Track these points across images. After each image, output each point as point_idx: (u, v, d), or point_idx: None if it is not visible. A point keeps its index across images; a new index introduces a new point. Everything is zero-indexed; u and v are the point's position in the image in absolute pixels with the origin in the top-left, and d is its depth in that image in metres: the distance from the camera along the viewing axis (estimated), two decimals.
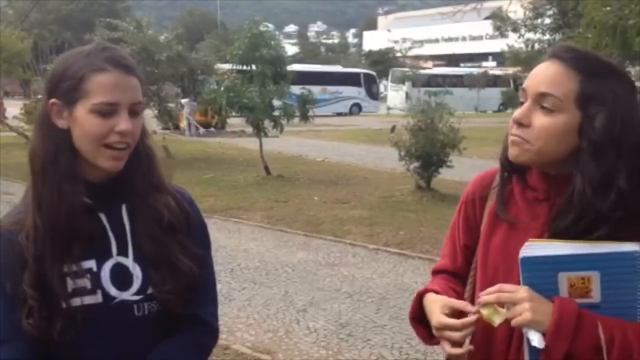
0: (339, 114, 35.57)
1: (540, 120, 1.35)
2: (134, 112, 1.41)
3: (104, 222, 1.44)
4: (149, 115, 19.10)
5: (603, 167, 1.32)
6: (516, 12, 27.98)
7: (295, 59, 41.84)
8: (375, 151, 16.87)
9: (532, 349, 1.30)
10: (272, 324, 5.03)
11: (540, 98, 1.35)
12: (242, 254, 7.07)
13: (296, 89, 13.54)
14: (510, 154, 1.41)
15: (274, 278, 6.25)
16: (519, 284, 1.35)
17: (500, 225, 1.48)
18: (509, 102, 40.09)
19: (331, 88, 35.97)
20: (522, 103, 1.39)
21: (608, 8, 5.76)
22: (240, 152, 16.82)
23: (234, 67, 13.52)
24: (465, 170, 11.72)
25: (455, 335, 1.36)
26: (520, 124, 1.37)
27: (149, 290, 1.45)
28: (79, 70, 1.37)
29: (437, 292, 1.48)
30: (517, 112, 1.39)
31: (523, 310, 1.28)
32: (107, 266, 1.43)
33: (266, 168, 12.60)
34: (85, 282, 1.40)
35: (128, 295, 1.44)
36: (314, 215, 9.05)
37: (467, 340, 1.41)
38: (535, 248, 1.30)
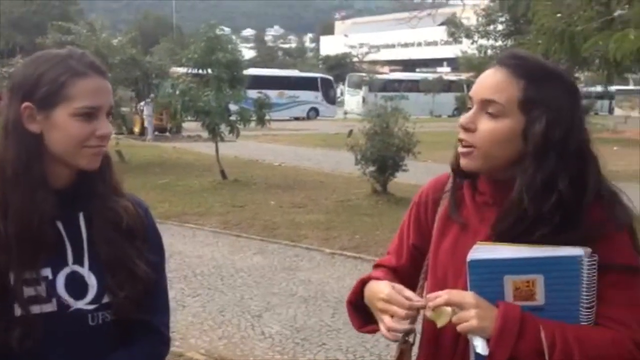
0: (297, 119, 35.64)
1: (485, 125, 1.38)
2: (109, 115, 1.45)
3: (61, 230, 1.44)
4: None
5: (544, 170, 1.34)
6: (469, 18, 28.53)
7: (253, 62, 41.79)
8: (332, 155, 16.93)
9: (477, 355, 1.32)
10: (227, 330, 4.98)
11: (484, 104, 1.38)
12: (196, 259, 6.99)
13: (253, 93, 13.48)
14: (461, 164, 1.43)
15: (229, 283, 6.20)
16: (467, 285, 1.37)
17: (451, 228, 1.50)
18: (463, 107, 40.75)
19: (288, 92, 36.02)
20: (469, 109, 1.42)
21: (559, 15, 5.91)
22: (196, 156, 16.67)
23: (190, 71, 13.41)
24: (420, 174, 11.84)
25: (400, 311, 1.37)
26: (466, 129, 1.40)
27: (104, 300, 1.45)
28: (59, 75, 1.39)
29: (381, 279, 1.50)
30: (463, 118, 1.41)
31: (469, 317, 1.29)
32: (62, 275, 1.43)
33: (222, 173, 12.51)
34: (41, 290, 1.39)
35: (82, 304, 1.43)
36: (270, 220, 9.01)
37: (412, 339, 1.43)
38: (483, 251, 1.32)
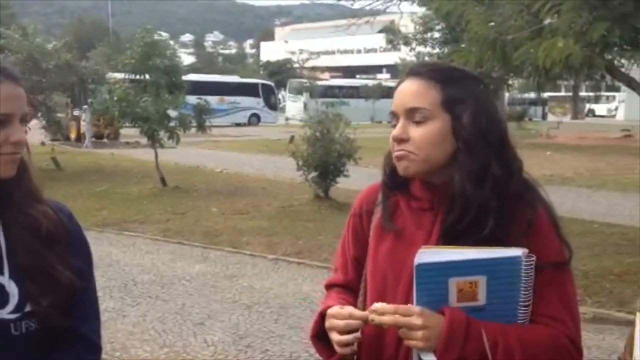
0: (238, 125, 35.43)
1: (416, 132, 1.44)
2: (23, 122, 1.42)
3: None
4: (37, 126, 18.22)
5: (477, 160, 1.42)
6: (407, 26, 29.02)
7: (192, 68, 41.28)
8: (274, 161, 16.91)
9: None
10: (169, 339, 4.92)
11: (410, 113, 1.45)
12: (136, 268, 6.86)
13: (193, 99, 13.34)
14: (400, 169, 1.47)
15: (170, 292, 6.11)
16: (406, 290, 1.41)
17: (387, 235, 1.53)
18: None
19: (229, 98, 35.80)
20: (394, 125, 1.48)
21: (492, 23, 6.08)
22: (135, 163, 16.36)
23: (127, 77, 13.17)
24: (362, 179, 11.92)
25: (340, 323, 1.40)
26: (400, 140, 1.45)
27: (27, 308, 1.40)
28: None
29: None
30: (395, 131, 1.46)
31: (416, 337, 1.33)
32: None
33: (162, 179, 12.32)
34: None
35: (4, 314, 1.39)
36: (212, 227, 8.94)
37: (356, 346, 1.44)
38: (429, 255, 1.35)
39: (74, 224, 1.54)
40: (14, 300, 1.40)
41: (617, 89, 39.29)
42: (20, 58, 13.93)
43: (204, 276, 6.65)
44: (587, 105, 51.54)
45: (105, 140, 22.58)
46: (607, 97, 49.56)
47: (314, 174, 10.48)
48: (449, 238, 1.42)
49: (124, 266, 6.87)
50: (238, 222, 9.31)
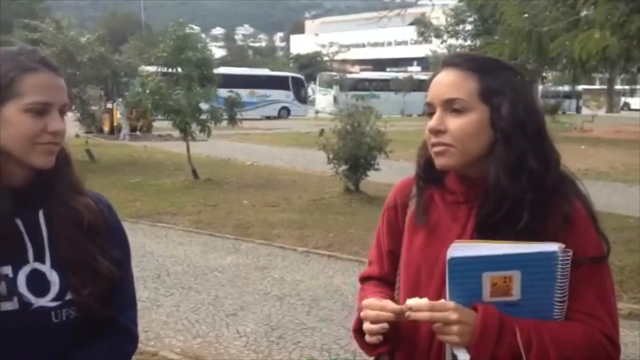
0: (268, 118, 35.55)
1: (454, 123, 1.42)
2: (62, 112, 1.43)
3: (21, 227, 1.42)
4: (71, 119, 18.53)
5: (513, 152, 1.40)
6: (439, 18, 28.78)
7: (223, 61, 41.45)
8: (304, 154, 16.95)
9: (454, 355, 1.35)
10: (201, 329, 4.98)
11: (447, 104, 1.43)
12: (169, 259, 6.96)
13: (224, 92, 13.43)
14: (438, 164, 1.46)
15: (203, 283, 6.19)
16: (440, 284, 1.41)
17: (421, 229, 1.52)
18: None
19: (259, 91, 35.91)
20: (430, 114, 1.46)
21: (526, 15, 6.00)
22: (167, 156, 16.54)
23: (159, 70, 13.31)
24: (392, 172, 11.92)
25: (371, 313, 1.40)
26: (437, 131, 1.43)
27: (67, 296, 1.44)
28: (8, 70, 1.38)
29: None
30: (431, 123, 1.45)
31: (451, 332, 1.32)
32: (23, 272, 1.41)
33: (194, 172, 12.44)
34: (1, 288, 1.38)
35: (45, 301, 1.42)
36: (243, 219, 9.01)
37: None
38: (462, 249, 1.34)
39: (112, 215, 1.57)
40: (55, 288, 1.43)
41: None
42: (55, 51, 14.16)
43: (236, 268, 6.71)
44: (623, 99, 50.61)
45: (138, 132, 22.85)
46: None
47: (344, 167, 10.48)
48: (483, 232, 1.40)
49: (157, 257, 6.97)
50: (269, 214, 9.36)
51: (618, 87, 46.25)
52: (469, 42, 26.36)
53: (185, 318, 5.20)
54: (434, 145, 1.45)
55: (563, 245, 1.33)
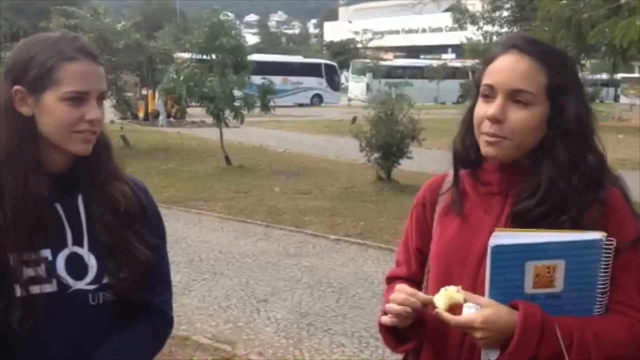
0: (300, 105, 35.55)
1: (516, 115, 1.37)
2: (101, 100, 1.44)
3: (60, 212, 1.45)
4: (107, 105, 18.75)
5: (572, 150, 1.37)
6: (474, 4, 28.35)
7: (256, 48, 41.62)
8: (336, 142, 16.93)
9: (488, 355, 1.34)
10: (233, 315, 5.02)
11: (514, 94, 1.37)
12: (202, 244, 7.02)
13: (257, 79, 13.46)
14: (487, 153, 1.41)
15: (235, 269, 6.23)
16: (473, 275, 1.38)
17: (452, 221, 1.49)
18: (468, 94, 40.42)
19: (292, 78, 35.89)
20: (486, 96, 1.40)
21: (563, 1, 5.88)
22: (200, 142, 16.68)
23: (194, 56, 13.39)
24: (425, 161, 11.85)
25: (400, 295, 1.37)
26: (496, 120, 1.38)
27: (104, 280, 1.46)
28: (48, 58, 1.39)
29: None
30: (492, 110, 1.38)
31: (476, 337, 1.30)
32: (62, 256, 1.44)
33: (227, 158, 12.52)
34: (41, 271, 1.41)
35: (83, 284, 1.45)
36: (274, 206, 9.04)
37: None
38: (505, 237, 1.30)
39: (150, 200, 1.59)
40: (92, 272, 1.46)
41: None
42: (92, 38, 14.34)
43: (267, 254, 6.74)
44: None
45: (172, 119, 23.06)
46: None
47: (376, 155, 10.44)
48: (519, 223, 1.37)
49: (190, 242, 7.04)
50: (300, 202, 9.38)
51: None
52: (505, 29, 25.90)
53: (216, 303, 5.25)
54: (488, 134, 1.40)
55: (605, 234, 1.30)
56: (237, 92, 12.43)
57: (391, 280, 1.64)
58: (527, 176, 1.40)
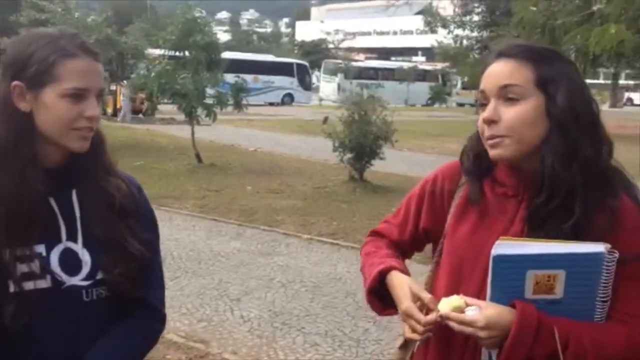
0: (271, 104, 35.47)
1: (508, 111, 1.40)
2: (99, 97, 1.46)
3: (54, 207, 1.45)
4: None
5: (568, 140, 1.38)
6: (446, 8, 28.67)
7: (227, 46, 41.31)
8: (308, 142, 16.93)
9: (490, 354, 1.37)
10: (206, 313, 4.99)
11: (502, 91, 1.40)
12: (173, 243, 6.96)
13: (228, 77, 13.40)
14: (493, 155, 1.44)
15: (207, 267, 6.20)
16: (483, 275, 1.40)
17: (469, 217, 1.51)
18: (437, 96, 41.04)
19: (263, 77, 35.79)
20: (483, 105, 1.44)
21: (534, 8, 5.98)
22: (170, 139, 16.52)
23: (166, 53, 13.27)
24: (396, 162, 11.92)
25: (418, 327, 1.42)
26: (491, 121, 1.41)
27: (98, 276, 1.46)
28: (48, 55, 1.39)
29: (398, 270, 1.54)
30: (485, 113, 1.42)
31: (477, 336, 1.34)
32: (56, 251, 1.44)
33: (198, 156, 12.44)
34: (35, 267, 1.40)
35: (77, 280, 1.45)
36: (247, 205, 9.01)
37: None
38: (507, 247, 1.33)
39: (143, 196, 1.60)
40: (86, 267, 1.46)
41: None
42: None
43: (240, 253, 6.72)
44: (626, 94, 50.51)
45: (140, 115, 22.78)
46: None
47: (349, 155, 10.47)
48: (532, 225, 1.39)
49: (162, 241, 6.92)
50: (273, 201, 9.37)
51: (622, 82, 46.13)
52: (475, 33, 26.26)
53: (189, 302, 5.22)
54: (488, 138, 1.43)
55: (609, 246, 1.32)
56: (209, 90, 12.35)
57: (376, 234, 1.70)
58: (538, 177, 1.42)
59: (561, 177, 1.37)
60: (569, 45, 5.47)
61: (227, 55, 16.48)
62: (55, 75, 1.38)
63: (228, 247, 6.92)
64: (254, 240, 7.25)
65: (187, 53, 12.29)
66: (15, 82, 1.39)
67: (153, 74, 12.22)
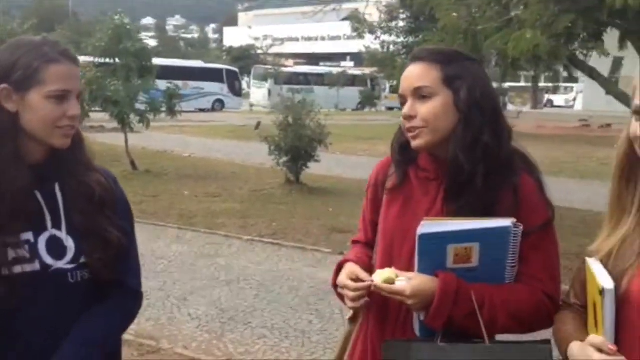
0: (202, 110, 35.19)
1: (422, 107, 1.67)
2: (78, 98, 1.61)
3: (40, 199, 1.60)
4: None
5: (471, 130, 1.64)
6: (372, 14, 29.20)
7: (154, 52, 40.67)
8: (241, 147, 17.02)
9: (421, 321, 1.63)
10: (153, 313, 5.09)
11: (416, 92, 1.67)
12: None
13: (159, 84, 13.35)
14: (413, 145, 1.69)
15: (150, 270, 6.24)
16: (411, 251, 1.65)
17: (397, 200, 1.76)
18: (367, 101, 41.74)
19: (193, 83, 35.35)
20: (403, 104, 1.71)
21: (454, 14, 6.35)
22: (102, 147, 16.15)
23: (95, 60, 13.08)
24: (330, 165, 12.19)
25: (351, 293, 1.67)
26: (409, 117, 1.68)
27: (82, 260, 1.62)
28: (32, 61, 1.55)
29: (352, 261, 1.77)
30: (404, 110, 1.69)
31: (409, 305, 1.60)
32: (43, 238, 1.59)
33: (132, 163, 12.36)
34: (25, 252, 1.55)
35: (62, 264, 1.60)
36: (186, 209, 9.09)
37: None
38: (430, 226, 1.58)
39: (118, 188, 1.76)
40: (70, 252, 1.62)
41: (575, 81, 40.24)
42: None
43: (182, 256, 6.82)
44: (546, 96, 52.61)
45: None
46: (565, 88, 50.64)
47: (285, 158, 10.67)
48: (449, 204, 1.65)
49: None
50: (211, 204, 9.47)
51: (542, 84, 48.07)
52: (401, 39, 26.87)
53: None
54: (408, 130, 1.69)
55: (515, 220, 1.58)
56: (141, 97, 12.28)
57: (355, 243, 1.93)
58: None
59: (463, 162, 1.62)
60: (490, 50, 5.86)
61: (156, 61, 16.34)
62: (39, 79, 1.54)
63: (170, 251, 7.01)
64: (195, 243, 7.35)
65: (117, 60, 12.19)
66: (3, 86, 1.54)
67: (83, 82, 12.03)
